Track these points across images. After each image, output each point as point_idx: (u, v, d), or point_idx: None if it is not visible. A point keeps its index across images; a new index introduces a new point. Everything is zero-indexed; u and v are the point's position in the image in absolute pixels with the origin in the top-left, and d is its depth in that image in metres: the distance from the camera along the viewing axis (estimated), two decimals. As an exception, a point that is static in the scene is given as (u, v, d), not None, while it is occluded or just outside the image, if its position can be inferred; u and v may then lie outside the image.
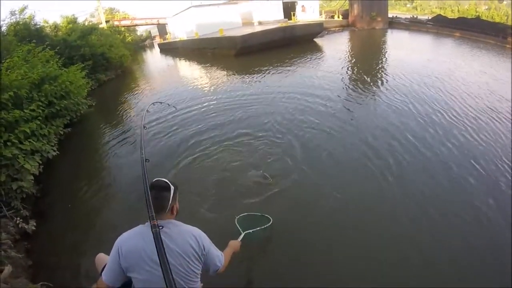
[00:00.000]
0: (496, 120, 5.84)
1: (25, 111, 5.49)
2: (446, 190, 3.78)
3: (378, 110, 6.60)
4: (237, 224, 2.86)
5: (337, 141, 5.35)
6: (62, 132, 7.18)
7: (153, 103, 4.99)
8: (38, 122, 5.73)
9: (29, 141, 5.16)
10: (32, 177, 4.72)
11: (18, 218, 3.80)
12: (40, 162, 5.24)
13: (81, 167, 5.98)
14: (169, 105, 7.05)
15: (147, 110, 3.77)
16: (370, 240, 3.09)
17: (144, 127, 2.95)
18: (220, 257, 1.79)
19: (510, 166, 4.17)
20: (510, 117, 5.86)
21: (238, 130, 6.20)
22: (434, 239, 3.01)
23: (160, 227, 1.36)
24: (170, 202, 1.61)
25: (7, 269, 2.57)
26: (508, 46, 15.66)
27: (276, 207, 3.67)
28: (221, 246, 2.00)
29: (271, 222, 3.03)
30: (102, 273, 1.66)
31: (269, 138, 5.72)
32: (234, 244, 2.26)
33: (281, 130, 6.00)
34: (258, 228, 2.82)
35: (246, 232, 2.69)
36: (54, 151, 5.95)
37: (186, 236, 1.61)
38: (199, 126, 6.70)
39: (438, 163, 4.41)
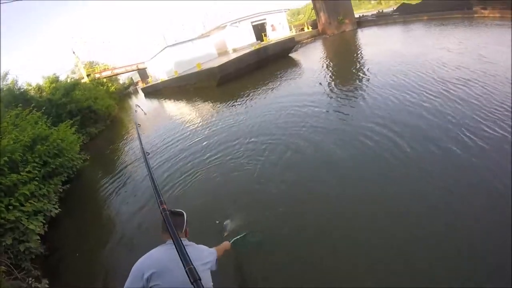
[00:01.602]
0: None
1: (22, 174, 5.58)
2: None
3: (366, 109, 6.55)
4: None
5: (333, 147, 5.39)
6: (61, 190, 7.26)
7: (136, 104, 5.14)
8: (36, 183, 5.83)
9: (30, 203, 5.24)
10: (38, 237, 4.76)
11: (30, 279, 3.81)
12: (44, 221, 5.30)
13: (85, 221, 6.02)
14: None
15: (135, 110, 4.14)
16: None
17: (138, 124, 3.78)
18: (215, 260, 2.14)
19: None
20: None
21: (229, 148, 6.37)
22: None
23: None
24: (185, 225, 2.05)
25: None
26: (476, 15, 16.25)
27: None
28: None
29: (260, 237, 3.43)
30: None
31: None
32: (225, 244, 2.81)
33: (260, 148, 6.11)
34: (243, 235, 3.30)
35: (234, 239, 3.13)
36: (56, 209, 6.03)
37: (200, 252, 2.02)
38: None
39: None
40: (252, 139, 6.69)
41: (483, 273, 2.46)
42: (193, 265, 1.22)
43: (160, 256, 1.84)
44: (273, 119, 7.69)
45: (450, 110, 5.33)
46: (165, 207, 1.67)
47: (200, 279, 1.15)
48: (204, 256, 2.00)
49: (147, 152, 2.46)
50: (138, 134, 3.37)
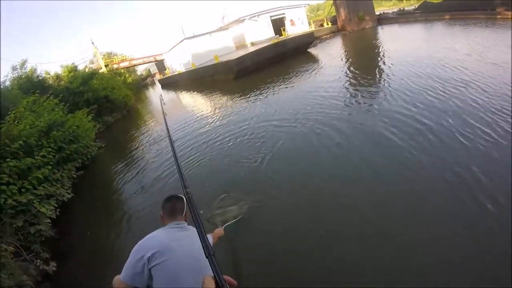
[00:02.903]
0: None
1: (36, 158, 5.68)
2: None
3: (387, 106, 6.33)
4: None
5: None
6: (75, 175, 7.35)
7: (160, 94, 5.19)
8: (50, 168, 5.91)
9: (43, 186, 5.31)
10: (49, 220, 4.82)
11: (39, 261, 3.84)
12: (56, 205, 5.35)
13: (97, 207, 6.04)
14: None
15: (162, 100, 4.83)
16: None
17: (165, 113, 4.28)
18: (210, 240, 2.07)
19: None
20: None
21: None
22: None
23: (179, 225, 1.93)
24: (185, 209, 2.04)
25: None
26: (499, 17, 15.52)
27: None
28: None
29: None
30: (121, 275, 1.78)
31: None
32: (219, 231, 2.88)
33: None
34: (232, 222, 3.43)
35: (225, 225, 3.22)
36: (69, 194, 6.11)
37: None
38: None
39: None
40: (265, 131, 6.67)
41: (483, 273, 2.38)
42: (209, 242, 1.36)
43: (161, 237, 1.83)
44: (289, 111, 7.59)
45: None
46: (188, 190, 1.84)
47: (214, 254, 1.29)
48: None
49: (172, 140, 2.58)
50: (165, 122, 3.72)
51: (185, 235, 1.88)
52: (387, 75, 8.61)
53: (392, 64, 9.91)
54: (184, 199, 2.06)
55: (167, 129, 3.27)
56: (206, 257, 1.29)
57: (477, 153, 3.87)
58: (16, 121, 6.51)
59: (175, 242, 1.78)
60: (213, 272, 1.25)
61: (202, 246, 1.34)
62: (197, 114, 11.33)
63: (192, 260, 1.72)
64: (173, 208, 2.00)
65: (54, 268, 3.94)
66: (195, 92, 18.65)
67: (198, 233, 1.42)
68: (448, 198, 3.20)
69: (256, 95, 10.89)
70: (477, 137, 4.20)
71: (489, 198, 3.05)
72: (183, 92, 21.87)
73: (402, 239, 2.85)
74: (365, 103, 6.82)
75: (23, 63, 14.44)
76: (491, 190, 3.15)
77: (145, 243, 1.80)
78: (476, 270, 2.41)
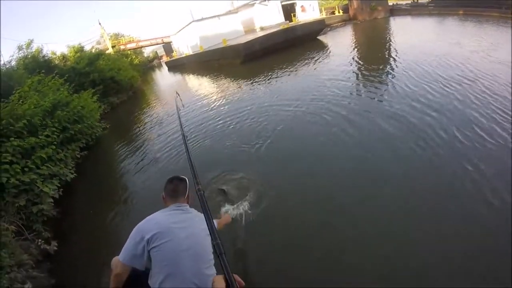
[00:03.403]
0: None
1: (40, 137, 5.67)
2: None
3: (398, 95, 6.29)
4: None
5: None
6: (79, 156, 7.37)
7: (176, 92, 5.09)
8: (54, 147, 5.91)
9: (47, 166, 5.32)
10: (51, 200, 4.84)
11: (40, 240, 3.87)
12: (59, 185, 5.38)
13: (100, 188, 6.08)
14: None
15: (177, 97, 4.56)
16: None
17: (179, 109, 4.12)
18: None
19: None
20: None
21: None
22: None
23: (180, 207, 1.89)
24: (187, 190, 1.99)
25: (27, 287, 2.61)
26: None
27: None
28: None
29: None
30: (120, 256, 1.75)
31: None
32: (224, 219, 2.83)
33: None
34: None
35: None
36: (72, 174, 6.12)
37: (201, 220, 1.78)
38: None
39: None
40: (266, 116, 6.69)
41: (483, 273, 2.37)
42: (220, 240, 1.34)
43: (162, 219, 1.80)
44: (293, 98, 7.58)
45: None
46: (200, 187, 1.73)
47: (224, 253, 1.28)
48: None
49: (186, 136, 2.54)
50: (179, 118, 3.61)
51: (187, 218, 1.85)
52: (397, 71, 8.35)
53: (402, 59, 9.52)
54: (187, 180, 2.04)
55: (181, 126, 3.20)
56: (218, 255, 1.28)
57: (475, 151, 3.84)
58: (21, 101, 6.48)
59: (176, 225, 1.75)
60: (223, 271, 1.23)
61: (213, 245, 1.33)
62: (203, 96, 11.34)
63: (192, 243, 1.70)
64: (175, 189, 1.96)
65: (55, 248, 3.97)
66: (202, 76, 18.53)
67: (210, 232, 1.39)
68: (448, 198, 3.17)
69: (261, 81, 10.81)
70: (476, 137, 4.15)
71: (489, 197, 3.03)
72: (189, 75, 21.74)
73: (402, 239, 2.82)
74: (369, 96, 6.72)
75: (29, 43, 14.33)
76: (491, 189, 3.12)
77: (144, 225, 1.78)
78: (476, 270, 2.39)
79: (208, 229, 1.41)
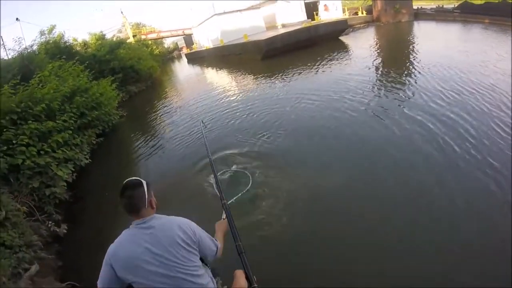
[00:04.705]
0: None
1: (58, 122, 5.81)
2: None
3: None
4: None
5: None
6: (94, 142, 7.52)
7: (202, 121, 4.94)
8: (70, 132, 6.05)
9: (62, 150, 5.45)
10: (64, 184, 4.96)
11: (50, 222, 3.98)
12: (73, 170, 5.51)
13: (113, 174, 6.19)
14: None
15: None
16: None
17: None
18: (214, 240, 1.74)
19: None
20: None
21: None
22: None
23: (144, 222, 1.56)
24: (146, 197, 1.63)
25: (34, 267, 2.68)
26: None
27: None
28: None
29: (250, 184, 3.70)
30: (98, 282, 1.55)
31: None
32: (222, 225, 2.05)
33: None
34: (238, 195, 3.35)
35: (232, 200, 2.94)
36: (87, 159, 6.25)
37: (172, 226, 1.60)
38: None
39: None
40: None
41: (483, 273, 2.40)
42: (241, 242, 1.58)
43: (126, 247, 1.54)
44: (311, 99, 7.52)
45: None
46: (225, 202, 1.91)
47: (244, 252, 1.48)
48: (177, 233, 1.58)
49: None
50: (206, 142, 3.53)
51: (152, 235, 1.55)
52: (419, 83, 7.71)
53: (428, 68, 8.76)
54: (144, 182, 1.67)
55: (207, 149, 3.17)
56: (239, 254, 1.48)
57: (472, 156, 3.87)
58: (41, 85, 6.63)
59: (141, 249, 1.50)
60: (243, 268, 1.42)
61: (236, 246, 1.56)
62: (221, 90, 11.46)
63: (167, 272, 1.49)
64: (130, 203, 1.60)
65: (65, 231, 4.07)
66: (221, 69, 18.55)
67: (233, 237, 1.68)
68: (448, 198, 3.20)
69: (281, 79, 10.78)
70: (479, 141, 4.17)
71: (489, 198, 3.08)
72: (209, 68, 21.80)
73: (402, 238, 2.86)
74: (388, 101, 6.58)
75: (51, 29, 14.55)
76: (491, 190, 3.18)
77: (113, 255, 1.55)
78: (476, 270, 2.43)
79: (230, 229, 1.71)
